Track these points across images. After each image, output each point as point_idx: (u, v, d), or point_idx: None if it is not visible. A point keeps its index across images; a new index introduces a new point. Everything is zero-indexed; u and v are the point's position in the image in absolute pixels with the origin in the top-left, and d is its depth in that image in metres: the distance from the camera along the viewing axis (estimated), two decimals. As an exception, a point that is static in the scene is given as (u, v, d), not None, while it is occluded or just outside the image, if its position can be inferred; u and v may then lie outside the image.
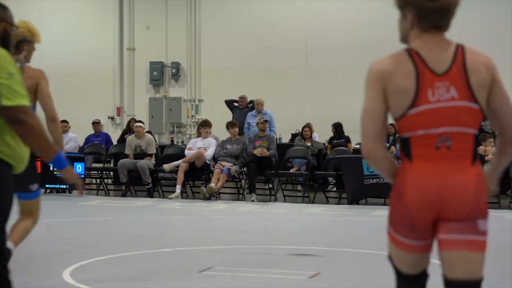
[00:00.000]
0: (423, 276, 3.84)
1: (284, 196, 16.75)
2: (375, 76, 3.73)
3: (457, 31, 5.20)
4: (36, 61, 24.32)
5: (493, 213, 14.22)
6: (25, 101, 4.08)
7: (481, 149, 15.66)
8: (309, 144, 18.12)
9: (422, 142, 3.65)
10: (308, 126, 18.47)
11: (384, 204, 15.81)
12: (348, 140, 19.05)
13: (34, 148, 4.21)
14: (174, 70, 24.95)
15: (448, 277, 3.69)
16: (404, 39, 3.86)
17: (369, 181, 15.23)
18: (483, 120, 3.78)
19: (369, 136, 3.70)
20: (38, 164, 17.91)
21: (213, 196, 16.39)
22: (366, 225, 8.45)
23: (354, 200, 15.53)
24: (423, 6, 3.67)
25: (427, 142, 3.64)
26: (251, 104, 19.67)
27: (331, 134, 19.41)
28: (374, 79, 3.73)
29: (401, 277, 3.84)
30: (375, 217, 9.57)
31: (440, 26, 3.71)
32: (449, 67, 3.64)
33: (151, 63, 25.07)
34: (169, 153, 18.53)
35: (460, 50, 3.68)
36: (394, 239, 3.78)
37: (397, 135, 19.15)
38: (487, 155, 15.46)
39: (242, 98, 20.22)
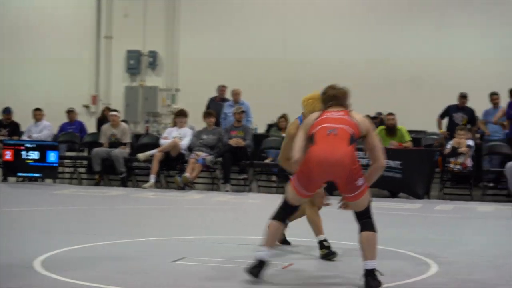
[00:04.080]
0: (296, 207, 7.00)
1: (259, 186, 16.76)
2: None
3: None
4: (15, 48, 24.20)
5: (464, 205, 14.39)
6: None
7: (454, 141, 15.72)
8: (284, 134, 18.11)
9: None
10: (284, 116, 18.47)
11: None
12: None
13: None
14: (151, 59, 24.86)
15: (355, 211, 6.78)
16: None
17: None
18: None
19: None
20: (11, 152, 17.75)
21: (187, 186, 16.38)
22: (339, 216, 8.47)
23: (328, 191, 15.53)
24: None
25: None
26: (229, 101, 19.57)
27: (307, 125, 19.38)
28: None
29: (287, 205, 6.98)
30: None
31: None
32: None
33: (128, 51, 24.95)
34: (144, 142, 18.48)
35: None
36: (294, 187, 6.81)
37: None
38: (461, 147, 15.51)
39: (224, 87, 20.17)
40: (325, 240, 8.21)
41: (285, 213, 7.02)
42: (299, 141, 6.92)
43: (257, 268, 6.85)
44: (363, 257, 6.64)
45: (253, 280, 6.76)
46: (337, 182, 6.72)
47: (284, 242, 8.89)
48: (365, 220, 6.73)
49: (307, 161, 6.69)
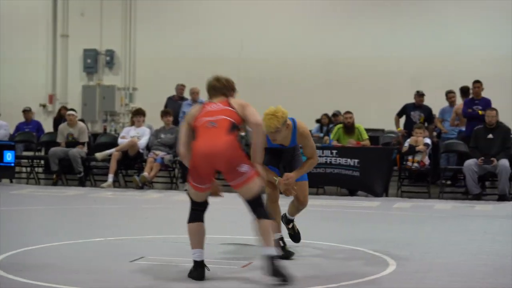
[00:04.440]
0: (204, 203, 7.09)
1: (218, 185, 16.73)
2: None
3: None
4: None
5: (422, 203, 14.51)
6: None
7: (412, 140, 15.83)
8: (243, 133, 18.14)
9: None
10: (242, 115, 18.47)
11: (316, 194, 15.93)
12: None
13: None
14: (108, 58, 24.73)
15: (245, 199, 6.96)
16: None
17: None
18: None
19: None
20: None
21: (146, 185, 16.32)
22: (298, 215, 8.50)
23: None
24: None
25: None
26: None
27: (265, 124, 19.40)
28: None
29: (194, 203, 7.05)
30: (308, 207, 9.60)
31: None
32: None
33: (85, 50, 24.80)
34: (101, 141, 18.38)
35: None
36: (190, 182, 6.95)
37: (330, 125, 19.29)
38: (418, 146, 15.62)
39: (182, 86, 20.10)
40: (281, 238, 8.23)
41: (197, 212, 7.06)
42: (183, 136, 7.13)
43: (197, 271, 6.93)
44: (262, 244, 6.79)
45: (197, 282, 6.76)
46: (221, 171, 6.98)
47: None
48: (258, 208, 6.88)
49: (193, 156, 6.90)
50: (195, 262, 6.96)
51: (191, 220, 7.03)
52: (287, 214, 8.62)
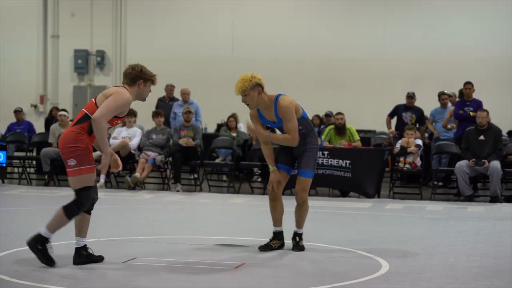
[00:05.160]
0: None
1: (210, 186, 16.74)
2: None
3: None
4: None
5: (414, 204, 14.52)
6: None
7: (403, 141, 15.83)
8: (234, 134, 18.14)
9: None
10: (233, 116, 18.49)
11: (308, 195, 15.90)
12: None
13: None
14: (99, 59, 24.71)
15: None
16: None
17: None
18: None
19: None
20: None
21: (137, 186, 16.30)
22: (291, 216, 8.52)
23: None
24: None
25: None
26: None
27: (257, 125, 19.41)
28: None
29: (90, 188, 7.37)
30: (313, 208, 9.63)
31: None
32: None
33: (76, 51, 24.78)
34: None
35: None
36: (87, 169, 7.33)
37: (322, 126, 19.30)
38: (410, 147, 15.63)
39: (172, 86, 20.06)
40: (281, 232, 8.60)
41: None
42: None
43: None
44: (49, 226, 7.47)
45: (191, 281, 6.75)
46: None
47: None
48: (72, 200, 7.44)
49: None
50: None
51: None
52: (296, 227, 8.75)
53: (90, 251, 7.60)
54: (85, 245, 7.58)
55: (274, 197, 8.61)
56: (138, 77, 7.63)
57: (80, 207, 7.44)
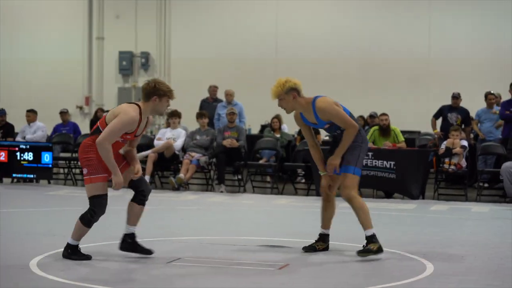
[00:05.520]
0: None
1: (253, 187, 16.75)
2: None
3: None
4: (6, 50, 23.99)
5: (459, 206, 14.38)
6: None
7: (448, 142, 15.71)
8: (278, 135, 18.12)
9: None
10: (277, 117, 18.46)
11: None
12: (317, 131, 19.04)
13: None
14: (143, 60, 24.86)
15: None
16: None
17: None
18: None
19: None
20: (5, 154, 17.65)
21: (182, 186, 16.35)
22: (335, 217, 8.49)
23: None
24: None
25: None
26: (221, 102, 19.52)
27: (301, 126, 19.39)
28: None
29: (101, 195, 7.86)
30: (343, 209, 9.58)
31: None
32: None
33: (120, 52, 24.95)
34: (138, 143, 18.41)
35: None
36: (97, 178, 7.86)
37: (366, 127, 19.22)
38: (455, 148, 15.50)
39: (215, 87, 20.11)
40: (327, 235, 8.60)
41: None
42: None
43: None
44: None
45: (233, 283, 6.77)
46: None
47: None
48: (87, 209, 7.96)
49: None
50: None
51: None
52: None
53: (138, 242, 8.03)
54: (133, 233, 8.02)
55: (327, 197, 8.58)
56: (152, 93, 7.72)
57: (93, 214, 7.85)
